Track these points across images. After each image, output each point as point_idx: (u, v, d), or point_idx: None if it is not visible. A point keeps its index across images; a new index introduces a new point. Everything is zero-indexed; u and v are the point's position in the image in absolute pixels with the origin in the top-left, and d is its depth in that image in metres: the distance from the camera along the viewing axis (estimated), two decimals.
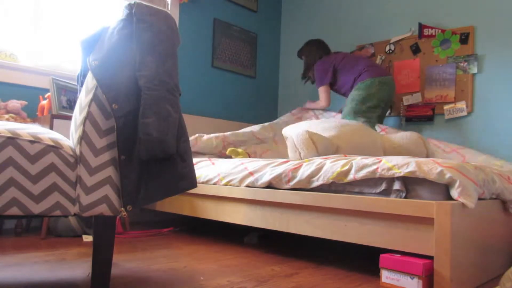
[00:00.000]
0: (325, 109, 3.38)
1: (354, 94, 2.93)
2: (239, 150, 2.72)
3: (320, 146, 2.06)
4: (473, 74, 2.92)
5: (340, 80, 3.09)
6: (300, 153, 2.05)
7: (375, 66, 3.02)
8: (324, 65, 3.14)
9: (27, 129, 1.13)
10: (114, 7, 3.07)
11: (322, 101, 3.19)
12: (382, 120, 3.05)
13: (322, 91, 3.17)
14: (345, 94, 3.13)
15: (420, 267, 1.37)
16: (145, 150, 1.16)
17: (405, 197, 1.53)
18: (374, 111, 2.88)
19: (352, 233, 1.61)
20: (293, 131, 2.16)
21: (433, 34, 3.11)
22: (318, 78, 3.17)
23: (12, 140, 1.07)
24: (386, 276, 1.47)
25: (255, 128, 3.26)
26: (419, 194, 1.50)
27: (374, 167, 1.59)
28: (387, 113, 3.30)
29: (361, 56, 3.21)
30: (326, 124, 2.35)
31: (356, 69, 3.00)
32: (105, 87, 1.16)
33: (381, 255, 1.49)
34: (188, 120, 3.33)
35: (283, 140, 3.23)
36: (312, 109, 3.46)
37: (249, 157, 2.75)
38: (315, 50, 3.25)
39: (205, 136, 2.88)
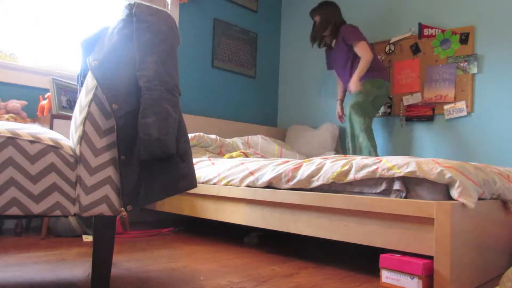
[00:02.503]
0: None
1: (368, 88, 2.92)
2: (234, 153, 2.74)
3: None
4: (473, 74, 2.92)
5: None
6: None
7: (384, 68, 3.08)
8: (357, 29, 3.04)
9: (27, 129, 1.13)
10: (114, 7, 3.07)
11: (366, 54, 2.90)
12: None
13: (363, 44, 2.94)
14: (342, 79, 3.17)
15: (420, 267, 1.37)
16: (145, 150, 1.16)
17: (405, 197, 1.53)
18: (374, 110, 3.00)
19: (352, 233, 1.61)
20: None
21: (433, 34, 3.11)
22: (355, 34, 2.99)
23: (12, 140, 1.07)
24: (386, 276, 1.47)
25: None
26: (419, 194, 1.50)
27: (374, 167, 1.59)
28: (380, 113, 3.37)
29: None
30: None
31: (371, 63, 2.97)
32: (105, 87, 1.16)
33: (381, 255, 1.49)
34: (188, 120, 3.33)
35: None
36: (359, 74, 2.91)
37: (246, 156, 2.76)
38: (338, 11, 3.17)
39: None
